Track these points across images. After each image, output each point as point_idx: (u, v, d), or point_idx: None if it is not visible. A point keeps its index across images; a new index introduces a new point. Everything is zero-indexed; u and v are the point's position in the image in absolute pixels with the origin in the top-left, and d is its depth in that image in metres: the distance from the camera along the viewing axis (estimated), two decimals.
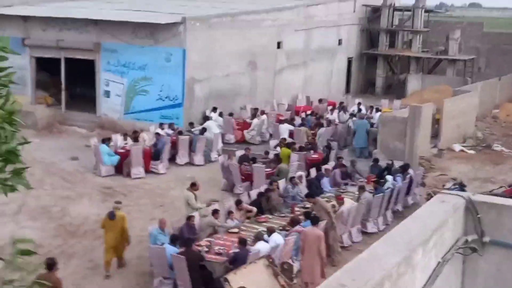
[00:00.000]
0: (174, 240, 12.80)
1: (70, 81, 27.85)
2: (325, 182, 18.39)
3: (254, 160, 19.61)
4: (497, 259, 5.30)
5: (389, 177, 17.97)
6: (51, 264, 10.36)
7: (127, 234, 13.66)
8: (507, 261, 5.28)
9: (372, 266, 3.81)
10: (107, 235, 13.46)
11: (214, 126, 23.60)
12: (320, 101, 30.90)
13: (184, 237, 13.17)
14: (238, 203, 15.38)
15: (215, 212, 14.40)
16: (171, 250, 12.44)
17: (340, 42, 36.78)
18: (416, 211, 5.04)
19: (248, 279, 2.60)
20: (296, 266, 12.63)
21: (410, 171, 19.12)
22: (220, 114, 25.23)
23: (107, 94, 26.48)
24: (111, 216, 13.46)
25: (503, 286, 5.33)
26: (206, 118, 24.77)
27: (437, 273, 4.47)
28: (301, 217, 14.29)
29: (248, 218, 15.26)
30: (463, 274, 5.40)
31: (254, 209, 15.45)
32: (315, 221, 13.04)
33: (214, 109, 25.49)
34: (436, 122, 25.41)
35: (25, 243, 2.87)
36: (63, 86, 27.51)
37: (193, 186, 15.79)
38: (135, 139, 21.42)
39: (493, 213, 5.21)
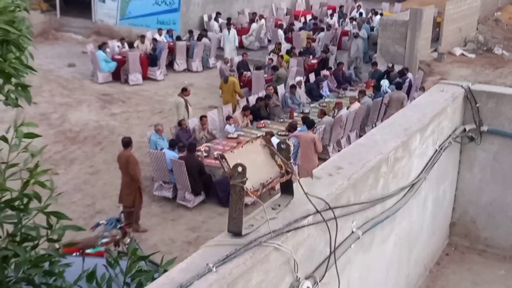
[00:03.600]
0: (173, 145, 12.89)
1: None
2: (324, 86, 18.31)
3: (259, 68, 19.32)
4: (494, 148, 5.31)
5: (384, 81, 17.85)
6: (127, 142, 11.35)
7: (239, 91, 17.48)
8: (504, 150, 5.29)
9: (369, 150, 3.80)
10: (223, 94, 17.55)
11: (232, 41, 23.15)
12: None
13: (181, 142, 13.27)
14: (245, 108, 15.38)
15: (202, 118, 14.40)
16: (170, 155, 12.54)
17: None
18: (415, 99, 4.99)
19: (245, 158, 2.59)
20: (295, 168, 12.87)
21: (409, 75, 18.97)
22: (216, 20, 24.76)
23: None
24: (225, 80, 17.44)
25: (500, 175, 5.36)
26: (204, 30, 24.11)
27: (434, 160, 4.48)
28: (300, 122, 14.40)
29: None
30: (460, 163, 5.43)
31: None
32: (310, 125, 13.18)
33: (218, 14, 25.03)
34: (437, 25, 24.98)
35: (29, 126, 2.85)
36: None
37: (184, 92, 15.67)
38: (130, 45, 21.12)
39: (492, 102, 5.16)
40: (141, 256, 3.64)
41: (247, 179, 2.69)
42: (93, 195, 12.94)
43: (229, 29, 23.00)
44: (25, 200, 2.92)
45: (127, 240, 9.92)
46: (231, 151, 2.83)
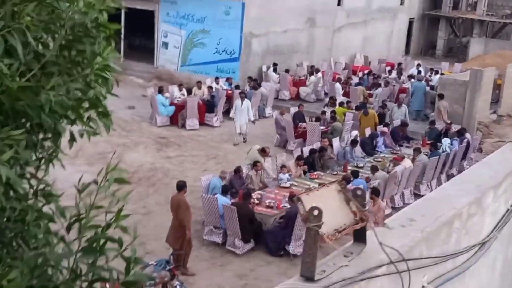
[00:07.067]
0: (226, 191, 12.91)
1: (129, 31, 27.97)
2: (380, 142, 18.15)
3: (318, 119, 19.38)
4: None
5: (445, 140, 17.61)
6: (181, 186, 11.60)
7: (377, 122, 19.23)
8: None
9: (441, 204, 3.70)
10: (361, 125, 19.00)
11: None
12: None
13: (234, 188, 13.29)
14: (299, 158, 15.35)
15: (256, 164, 14.44)
16: (223, 200, 12.54)
17: (402, 2, 35.87)
18: (486, 157, 4.88)
19: (320, 202, 2.56)
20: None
21: (467, 135, 18.66)
22: (275, 70, 25.08)
23: (165, 45, 26.60)
24: (365, 112, 19.29)
25: None
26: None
27: (506, 219, 4.34)
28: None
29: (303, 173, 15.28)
30: None
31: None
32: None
33: (275, 64, 25.42)
34: (497, 87, 24.67)
35: (121, 172, 2.86)
36: (122, 36, 27.66)
37: (263, 152, 15.39)
38: (189, 91, 21.55)
39: None
40: None
41: (323, 223, 2.65)
42: (144, 235, 12.95)
43: (242, 99, 19.74)
44: (101, 241, 2.89)
45: (175, 282, 9.89)
46: (306, 194, 2.80)
